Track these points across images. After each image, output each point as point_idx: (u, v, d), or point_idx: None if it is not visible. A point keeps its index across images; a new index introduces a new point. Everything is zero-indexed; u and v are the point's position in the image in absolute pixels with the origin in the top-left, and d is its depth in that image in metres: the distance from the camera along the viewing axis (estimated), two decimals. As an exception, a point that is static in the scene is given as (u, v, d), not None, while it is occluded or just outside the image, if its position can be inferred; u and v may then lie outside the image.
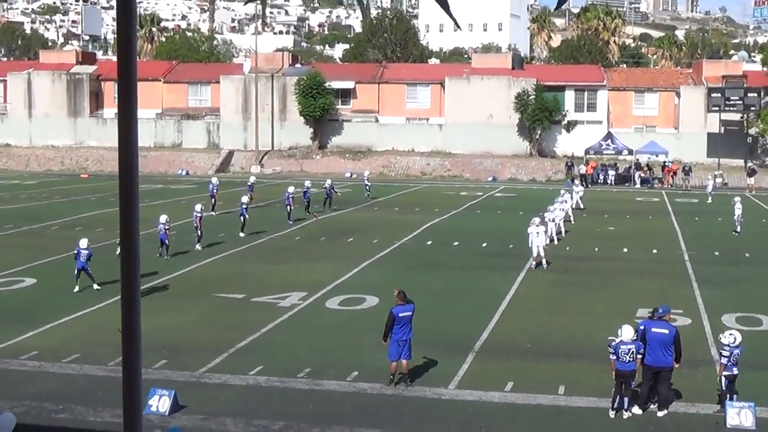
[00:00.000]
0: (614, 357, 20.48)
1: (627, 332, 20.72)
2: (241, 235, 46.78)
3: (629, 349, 20.41)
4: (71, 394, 21.53)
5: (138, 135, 6.50)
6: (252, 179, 62.22)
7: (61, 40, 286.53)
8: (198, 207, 43.74)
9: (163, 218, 40.03)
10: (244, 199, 48.24)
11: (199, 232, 43.18)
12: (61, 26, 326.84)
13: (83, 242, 33.40)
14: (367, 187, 67.08)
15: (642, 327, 21.28)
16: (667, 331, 20.87)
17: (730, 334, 20.91)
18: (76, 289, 32.81)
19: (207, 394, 21.71)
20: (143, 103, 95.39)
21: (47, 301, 31.26)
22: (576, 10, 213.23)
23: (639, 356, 20.44)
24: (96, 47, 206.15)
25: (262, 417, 20.18)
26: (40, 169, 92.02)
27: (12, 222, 51.41)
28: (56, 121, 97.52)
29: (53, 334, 27.07)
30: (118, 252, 44.19)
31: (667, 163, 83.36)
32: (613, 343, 20.68)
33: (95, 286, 32.84)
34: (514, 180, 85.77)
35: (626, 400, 20.52)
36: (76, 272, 33.11)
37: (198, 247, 42.74)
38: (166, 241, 39.93)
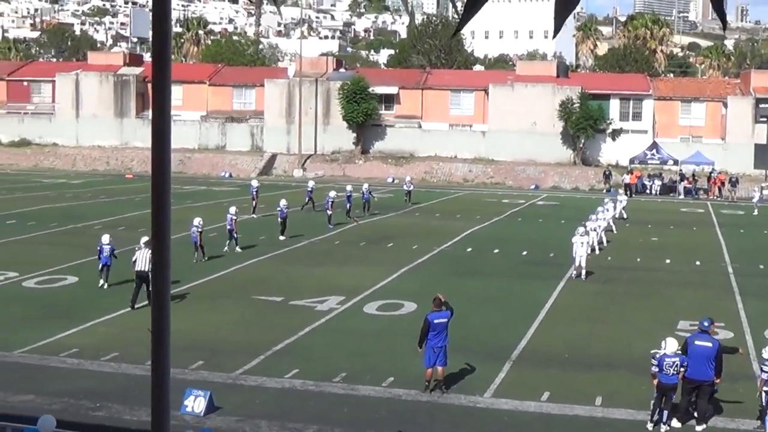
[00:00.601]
0: (657, 369, 20.32)
1: (671, 345, 20.53)
2: (281, 238, 46.85)
3: (673, 362, 20.23)
4: (109, 392, 21.64)
5: (171, 136, 6.49)
6: (311, 184, 62.06)
7: (110, 41, 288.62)
8: (232, 210, 43.81)
9: (196, 221, 39.98)
10: (283, 202, 48.23)
11: (234, 234, 43.23)
12: (110, 28, 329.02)
13: (105, 238, 34.20)
14: (408, 192, 67.09)
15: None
16: (710, 345, 20.65)
17: None
18: (101, 284, 33.61)
19: (243, 396, 21.77)
20: (188, 105, 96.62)
21: (88, 300, 31.48)
22: (623, 19, 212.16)
23: (682, 369, 20.25)
24: (144, 49, 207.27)
25: (296, 420, 20.20)
26: (86, 169, 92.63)
27: (57, 220, 51.80)
28: (103, 121, 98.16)
29: (93, 333, 27.26)
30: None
31: (713, 174, 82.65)
32: (657, 356, 20.50)
33: (105, 285, 33.56)
34: (557, 188, 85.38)
35: (666, 413, 20.34)
36: (100, 268, 33.80)
37: (237, 249, 42.82)
38: (199, 243, 39.89)
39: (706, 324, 21.30)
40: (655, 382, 20.37)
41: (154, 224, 6.44)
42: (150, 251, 29.39)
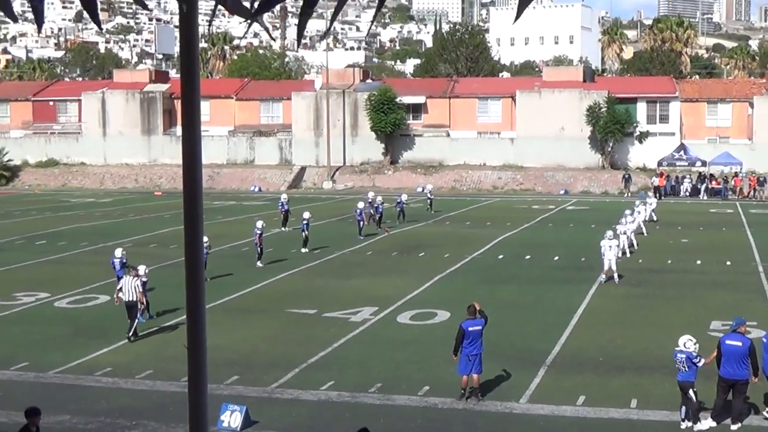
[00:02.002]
0: (677, 366, 20.47)
1: (681, 341, 20.62)
2: (304, 250, 46.89)
3: (681, 359, 20.35)
4: (144, 409, 21.73)
5: (202, 150, 6.55)
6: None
7: (135, 59, 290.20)
8: (259, 224, 43.81)
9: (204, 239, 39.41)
10: (306, 215, 48.26)
11: (259, 249, 43.27)
12: (134, 45, 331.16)
13: (118, 252, 33.86)
14: (430, 201, 67.44)
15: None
16: (740, 344, 20.63)
17: None
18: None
19: (279, 410, 21.81)
20: (216, 120, 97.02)
21: (121, 318, 31.46)
22: (648, 22, 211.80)
23: (694, 365, 20.24)
24: (169, 66, 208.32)
25: (333, 432, 20.24)
26: (115, 187, 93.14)
27: (87, 239, 52.08)
28: (130, 139, 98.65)
29: (127, 351, 27.37)
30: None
31: (740, 174, 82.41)
32: (675, 352, 20.68)
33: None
34: (587, 193, 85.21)
35: (683, 409, 20.45)
36: (116, 280, 33.12)
37: (259, 264, 42.90)
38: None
39: (734, 324, 21.34)
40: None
41: (186, 239, 6.50)
42: (136, 279, 29.33)
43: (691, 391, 20.33)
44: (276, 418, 21.16)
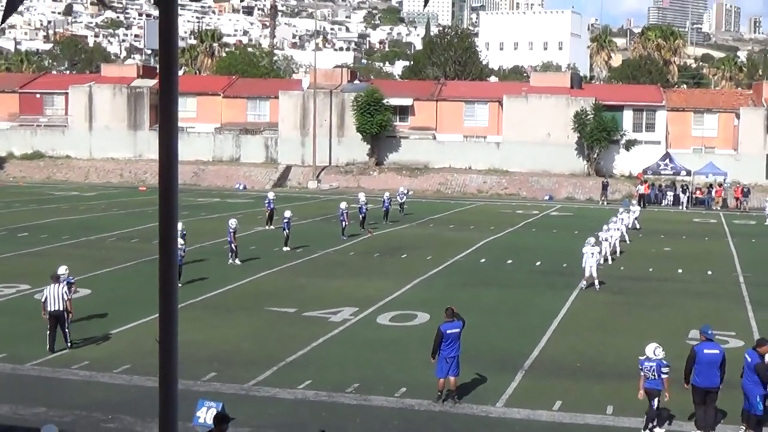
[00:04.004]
0: (642, 374, 20.53)
1: (649, 349, 20.73)
2: (285, 249, 46.94)
3: (650, 367, 20.40)
4: (121, 404, 21.71)
5: (178, 146, 6.58)
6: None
7: (124, 53, 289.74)
8: (232, 222, 43.69)
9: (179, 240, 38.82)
10: (288, 213, 48.29)
11: (233, 246, 43.20)
12: (124, 40, 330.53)
13: (62, 269, 29.33)
14: (401, 203, 67.20)
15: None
16: (717, 352, 20.81)
17: None
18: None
19: (255, 408, 21.81)
20: (202, 117, 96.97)
21: (100, 312, 31.52)
22: (638, 30, 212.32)
23: (664, 376, 20.32)
24: (158, 61, 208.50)
25: (309, 431, 20.23)
26: (100, 181, 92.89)
27: (69, 233, 51.96)
28: (116, 133, 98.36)
29: (105, 345, 27.33)
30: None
31: (724, 185, 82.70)
32: (641, 360, 20.73)
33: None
34: (571, 199, 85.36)
35: (648, 418, 20.53)
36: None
37: (237, 261, 42.88)
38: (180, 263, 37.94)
39: (710, 332, 21.41)
40: (641, 387, 20.55)
41: (161, 234, 6.52)
42: (61, 286, 26.97)
43: (656, 399, 20.45)
44: (252, 416, 21.15)
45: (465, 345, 22.87)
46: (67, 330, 26.67)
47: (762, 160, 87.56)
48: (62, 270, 28.84)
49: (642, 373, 20.57)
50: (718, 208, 79.79)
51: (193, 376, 23.60)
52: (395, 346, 27.89)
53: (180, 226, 43.97)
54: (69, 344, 26.60)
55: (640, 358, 21.08)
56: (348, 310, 32.78)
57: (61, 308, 26.54)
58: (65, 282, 27.89)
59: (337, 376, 24.24)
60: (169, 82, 6.50)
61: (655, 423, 20.40)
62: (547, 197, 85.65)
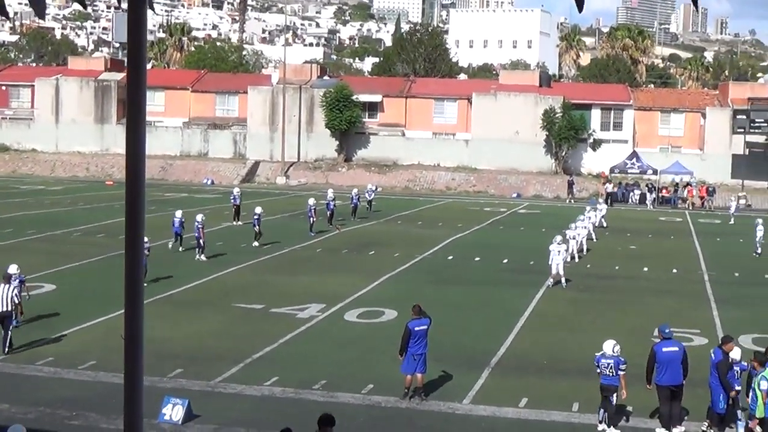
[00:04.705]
0: (598, 371, 20.65)
1: (607, 346, 20.84)
2: (255, 244, 46.90)
3: (608, 364, 20.53)
4: (86, 400, 21.58)
5: (146, 141, 6.56)
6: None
7: (92, 46, 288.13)
8: (199, 217, 43.61)
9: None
10: (258, 210, 48.25)
11: (201, 242, 43.05)
12: (91, 33, 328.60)
13: (13, 268, 28.66)
14: (369, 201, 67.07)
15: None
16: (677, 349, 20.96)
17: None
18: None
19: (221, 404, 21.76)
20: (170, 111, 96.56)
21: (66, 308, 31.34)
22: (606, 29, 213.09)
23: (621, 372, 20.44)
24: (126, 54, 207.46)
25: (274, 428, 20.03)
26: (66, 175, 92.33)
27: (35, 227, 51.65)
28: (83, 127, 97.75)
29: (70, 341, 27.17)
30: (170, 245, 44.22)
31: (692, 184, 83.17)
32: (597, 357, 20.84)
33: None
34: (539, 197, 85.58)
35: (602, 412, 20.72)
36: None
37: (203, 257, 42.78)
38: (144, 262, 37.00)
39: (668, 330, 21.51)
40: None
41: (127, 230, 6.48)
42: (11, 287, 26.29)
43: (614, 395, 20.59)
44: (218, 412, 21.10)
45: (431, 342, 22.91)
46: (9, 333, 25.73)
47: (727, 160, 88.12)
48: (13, 269, 28.31)
49: (599, 370, 20.69)
50: (691, 208, 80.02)
51: (159, 372, 23.53)
52: (362, 342, 27.91)
53: (179, 213, 44.04)
54: (6, 350, 25.44)
55: (596, 354, 21.21)
56: (315, 306, 32.76)
57: (9, 309, 25.73)
58: (17, 281, 27.61)
59: (303, 373, 24.21)
60: (138, 76, 6.47)
61: (605, 419, 20.56)
62: (514, 195, 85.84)
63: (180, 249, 44.45)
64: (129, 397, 6.58)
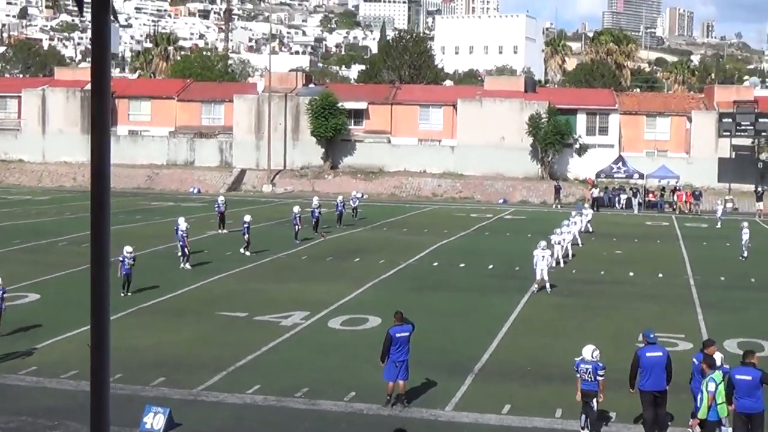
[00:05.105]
0: (578, 376, 20.66)
1: (586, 351, 20.85)
2: (246, 253, 46.86)
3: (587, 369, 20.53)
4: (67, 410, 21.51)
5: (111, 150, 6.55)
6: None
7: (79, 57, 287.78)
8: (183, 226, 43.50)
9: (128, 249, 35.85)
10: (247, 218, 48.24)
11: (186, 250, 42.94)
12: (79, 43, 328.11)
13: None
14: (354, 208, 66.80)
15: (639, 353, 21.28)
16: (661, 354, 20.88)
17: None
18: None
19: (203, 412, 21.70)
20: (156, 120, 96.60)
21: (50, 317, 31.27)
22: (592, 34, 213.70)
23: (600, 378, 20.48)
24: (113, 65, 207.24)
25: (256, 436, 20.19)
26: (53, 185, 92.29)
27: (20, 237, 51.58)
28: (70, 137, 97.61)
29: (53, 350, 27.08)
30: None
31: (679, 187, 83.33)
32: (577, 362, 20.86)
33: None
34: (525, 202, 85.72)
35: (584, 418, 20.68)
36: None
37: (187, 266, 42.70)
38: (129, 272, 35.66)
39: (652, 335, 21.51)
40: (579, 389, 20.66)
41: (92, 238, 6.48)
42: None
43: (594, 401, 20.60)
44: (199, 421, 21.06)
45: (415, 349, 22.90)
46: None
47: (714, 163, 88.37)
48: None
49: (578, 375, 20.71)
50: (678, 212, 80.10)
51: (141, 381, 23.54)
52: (345, 350, 27.86)
53: (182, 221, 43.59)
54: None
55: (576, 359, 21.22)
56: (299, 314, 32.72)
57: None
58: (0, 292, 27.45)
59: (285, 381, 24.17)
60: (101, 85, 6.47)
61: (588, 425, 20.59)
62: (501, 201, 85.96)
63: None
64: (96, 406, 6.60)
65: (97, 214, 6.49)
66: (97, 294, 6.52)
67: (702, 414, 19.00)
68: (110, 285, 6.60)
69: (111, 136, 6.74)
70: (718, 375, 19.26)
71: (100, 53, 6.38)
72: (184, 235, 42.69)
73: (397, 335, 22.24)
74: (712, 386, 18.97)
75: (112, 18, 6.44)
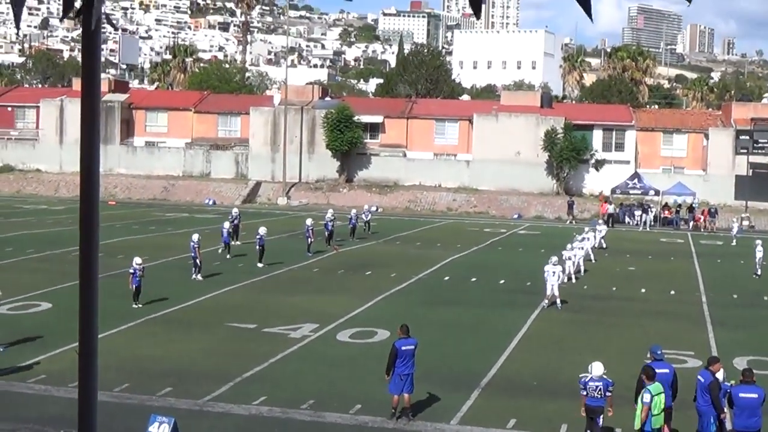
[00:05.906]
0: (584, 393, 20.58)
1: (596, 369, 20.78)
2: (259, 265, 46.95)
3: (597, 386, 20.48)
4: (74, 418, 21.42)
5: (99, 161, 6.58)
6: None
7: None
8: (195, 237, 43.55)
9: (137, 260, 36.13)
10: (262, 230, 48.36)
11: (198, 262, 43.00)
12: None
13: None
14: (367, 222, 66.59)
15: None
16: (668, 371, 20.89)
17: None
18: None
19: (208, 423, 21.75)
20: (173, 132, 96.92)
21: (60, 326, 31.28)
22: (610, 50, 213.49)
23: (609, 394, 20.45)
24: (131, 76, 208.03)
25: (260, 447, 20.21)
26: (69, 195, 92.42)
27: (34, 246, 51.80)
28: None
29: (62, 359, 27.12)
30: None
31: (695, 206, 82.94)
32: (584, 380, 20.79)
33: None
34: (540, 218, 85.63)
35: None
36: None
37: (198, 277, 42.74)
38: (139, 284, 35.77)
39: (659, 351, 21.50)
40: (583, 405, 20.61)
41: (81, 245, 6.52)
42: None
43: (600, 416, 20.56)
44: (204, 431, 21.10)
45: (422, 362, 22.93)
46: None
47: (731, 181, 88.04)
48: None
49: (585, 392, 20.63)
50: (700, 229, 79.46)
51: (148, 390, 23.60)
52: (353, 363, 27.88)
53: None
54: None
55: (582, 377, 21.14)
56: (308, 326, 32.75)
57: None
58: None
59: (292, 393, 24.20)
60: (92, 92, 6.49)
61: None
62: (515, 216, 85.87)
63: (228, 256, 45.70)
64: (83, 413, 6.62)
65: (86, 210, 6.52)
66: (86, 298, 6.55)
67: (636, 425, 19.10)
68: (99, 289, 6.61)
69: (101, 144, 6.78)
70: (655, 387, 19.34)
71: (90, 56, 6.42)
72: (196, 246, 42.75)
73: (403, 348, 22.25)
74: (647, 397, 19.09)
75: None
